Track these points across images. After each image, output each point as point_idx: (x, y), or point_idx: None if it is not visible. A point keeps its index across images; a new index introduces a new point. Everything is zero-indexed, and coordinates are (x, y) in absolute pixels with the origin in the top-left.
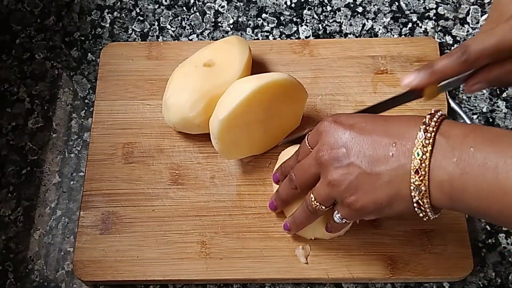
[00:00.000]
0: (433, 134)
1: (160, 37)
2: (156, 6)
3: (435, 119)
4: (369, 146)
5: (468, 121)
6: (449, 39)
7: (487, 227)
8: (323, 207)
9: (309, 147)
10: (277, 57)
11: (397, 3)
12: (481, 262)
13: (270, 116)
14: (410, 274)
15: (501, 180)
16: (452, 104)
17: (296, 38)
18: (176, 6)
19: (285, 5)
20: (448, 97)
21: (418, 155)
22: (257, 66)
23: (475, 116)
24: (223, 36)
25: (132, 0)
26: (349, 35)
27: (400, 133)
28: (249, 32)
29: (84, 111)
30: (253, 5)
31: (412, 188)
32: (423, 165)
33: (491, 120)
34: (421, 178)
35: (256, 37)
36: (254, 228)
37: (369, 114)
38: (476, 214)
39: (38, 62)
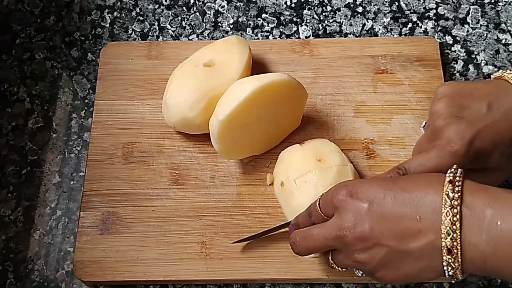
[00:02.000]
0: (458, 208)
1: (160, 37)
2: (156, 6)
3: (457, 188)
4: (393, 222)
5: None
6: (449, 39)
7: None
8: (343, 270)
9: (322, 214)
10: (277, 56)
11: (397, 3)
12: None
13: (270, 116)
14: None
15: None
16: None
17: (296, 38)
18: (176, 6)
19: (285, 5)
20: None
21: (449, 234)
22: (257, 66)
23: None
24: (223, 36)
25: (132, 0)
26: (349, 35)
27: (422, 204)
28: (249, 32)
29: (84, 111)
30: (253, 5)
31: (444, 264)
32: (455, 244)
33: None
34: (454, 256)
35: (256, 37)
36: (254, 228)
37: (384, 180)
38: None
39: (38, 62)
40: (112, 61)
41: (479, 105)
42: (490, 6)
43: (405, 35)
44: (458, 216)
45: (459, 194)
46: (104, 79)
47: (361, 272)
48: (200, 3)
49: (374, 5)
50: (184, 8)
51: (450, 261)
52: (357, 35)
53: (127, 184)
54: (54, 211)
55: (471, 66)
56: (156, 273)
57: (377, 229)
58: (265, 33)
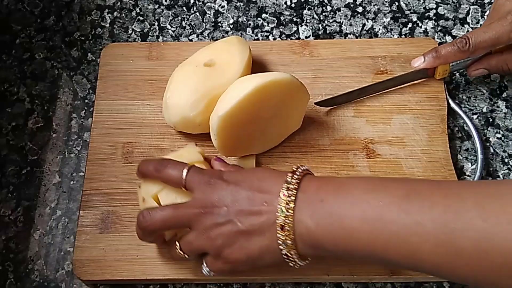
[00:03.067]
0: (294, 191)
1: (160, 37)
2: (156, 6)
3: (296, 176)
4: (245, 203)
5: (468, 121)
6: (449, 39)
7: None
8: (187, 256)
9: (183, 180)
10: (277, 57)
11: (397, 3)
12: None
13: (270, 115)
14: (410, 274)
15: (345, 225)
16: (452, 104)
17: (296, 38)
18: (176, 6)
19: (285, 5)
20: (448, 97)
21: (282, 212)
22: (257, 67)
23: (475, 116)
24: (223, 36)
25: (132, 0)
26: (349, 35)
27: (269, 190)
28: (249, 32)
29: (84, 111)
30: (253, 5)
31: (279, 242)
32: (287, 221)
33: (491, 120)
34: (287, 233)
35: (256, 37)
36: None
37: (247, 170)
38: (339, 258)
39: (38, 62)
40: (113, 61)
41: None
42: (490, 6)
43: (405, 35)
44: (293, 198)
45: (297, 180)
46: (104, 79)
47: (206, 269)
48: (200, 3)
49: (374, 5)
50: (184, 8)
51: (283, 237)
52: (357, 35)
53: (126, 184)
54: (54, 211)
55: None
56: (155, 272)
57: (233, 209)
58: (265, 33)
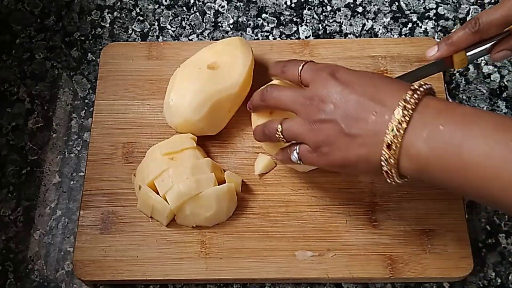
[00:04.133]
0: (410, 112)
1: (160, 37)
2: (156, 6)
3: (416, 95)
4: (354, 108)
5: None
6: None
7: (487, 227)
8: (284, 140)
9: (299, 76)
10: (277, 57)
11: (397, 3)
12: (481, 262)
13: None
14: (410, 274)
15: (464, 156)
16: None
17: (296, 38)
18: (176, 6)
19: (285, 5)
20: (448, 97)
21: (392, 130)
22: (257, 67)
23: None
24: (223, 36)
25: (132, 0)
26: (349, 35)
27: (383, 101)
28: (249, 32)
29: (84, 111)
30: (253, 5)
31: (382, 159)
32: (395, 141)
33: None
34: (392, 152)
35: (256, 37)
36: (254, 228)
37: (364, 73)
38: (441, 186)
39: (38, 62)
40: (113, 61)
41: None
42: (490, 6)
43: (405, 35)
44: (407, 118)
45: (416, 101)
46: (104, 79)
47: (297, 155)
48: (200, 3)
49: (374, 5)
50: (184, 8)
51: (387, 156)
52: (357, 35)
53: (127, 184)
54: (54, 211)
55: (471, 66)
56: (156, 272)
57: (339, 109)
58: (265, 33)
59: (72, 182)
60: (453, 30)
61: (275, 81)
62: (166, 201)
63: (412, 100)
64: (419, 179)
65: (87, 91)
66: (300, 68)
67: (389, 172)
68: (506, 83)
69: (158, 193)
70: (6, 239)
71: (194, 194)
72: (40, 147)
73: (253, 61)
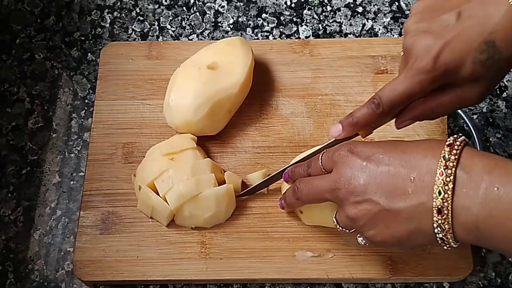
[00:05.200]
0: (453, 170)
1: (160, 37)
2: (156, 6)
3: (454, 151)
4: (387, 181)
5: (468, 121)
6: None
7: None
8: (346, 230)
9: (322, 168)
10: (277, 56)
11: (397, 3)
12: (481, 262)
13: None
14: (410, 274)
15: None
16: None
17: (296, 38)
18: (176, 6)
19: (285, 5)
20: None
21: (440, 194)
22: (257, 66)
23: (475, 116)
24: (223, 36)
25: (132, 0)
26: (349, 35)
27: (418, 166)
28: (249, 32)
29: (84, 111)
30: (253, 5)
31: (435, 226)
32: (446, 204)
33: (491, 120)
34: (444, 217)
35: (256, 37)
36: (254, 228)
37: (387, 142)
38: (505, 253)
39: (38, 62)
40: (112, 61)
41: (449, 16)
42: None
43: None
44: (451, 178)
45: (456, 157)
46: (104, 79)
47: (361, 240)
48: (200, 3)
49: (374, 5)
50: (184, 8)
51: (440, 222)
52: (357, 35)
53: (127, 184)
54: (54, 211)
55: None
56: (156, 272)
57: (370, 186)
58: (265, 33)
59: (72, 182)
60: None
61: None
62: (166, 201)
63: (452, 157)
64: (476, 243)
65: (87, 91)
66: (320, 160)
67: (445, 238)
68: (506, 83)
69: (158, 194)
70: (6, 239)
71: (194, 195)
72: (40, 147)
73: (253, 61)
